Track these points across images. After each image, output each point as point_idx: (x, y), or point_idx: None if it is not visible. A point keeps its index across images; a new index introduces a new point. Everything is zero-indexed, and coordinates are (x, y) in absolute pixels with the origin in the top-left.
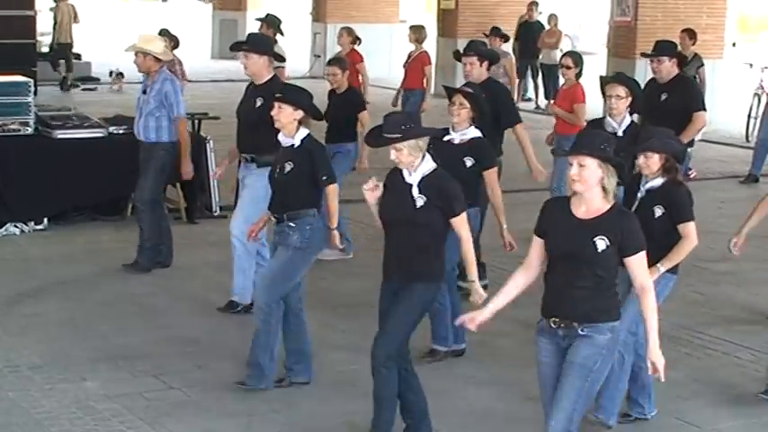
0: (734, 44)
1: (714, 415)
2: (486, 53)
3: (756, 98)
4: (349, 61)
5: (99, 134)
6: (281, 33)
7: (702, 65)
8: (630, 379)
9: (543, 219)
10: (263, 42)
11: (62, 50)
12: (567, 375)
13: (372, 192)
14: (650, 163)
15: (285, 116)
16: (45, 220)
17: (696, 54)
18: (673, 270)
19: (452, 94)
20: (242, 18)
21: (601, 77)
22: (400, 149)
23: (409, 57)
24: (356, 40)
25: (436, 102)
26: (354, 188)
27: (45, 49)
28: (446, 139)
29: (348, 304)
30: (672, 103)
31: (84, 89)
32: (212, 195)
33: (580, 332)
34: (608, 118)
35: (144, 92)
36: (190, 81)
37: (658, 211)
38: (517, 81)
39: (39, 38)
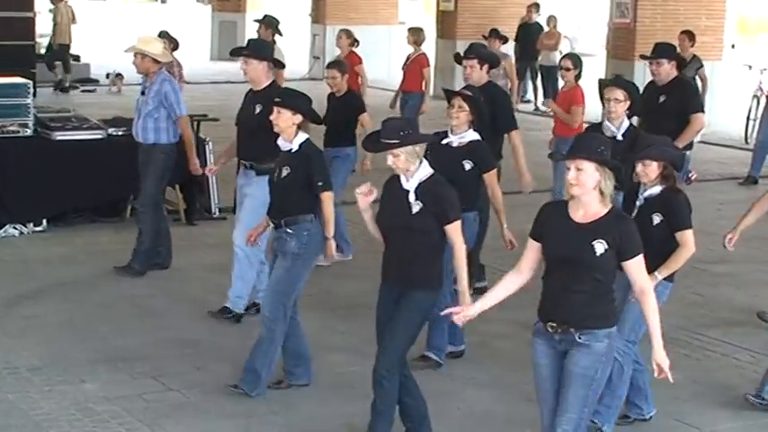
0: (733, 46)
1: (713, 416)
2: (486, 56)
3: (755, 100)
4: (348, 63)
5: (98, 136)
6: (280, 34)
7: (702, 66)
8: None
9: (540, 222)
10: (263, 48)
11: (60, 52)
12: (570, 386)
13: (366, 196)
14: (648, 171)
15: (284, 120)
16: (44, 221)
17: (695, 56)
18: (669, 278)
19: (451, 96)
20: (241, 19)
21: (599, 81)
22: (397, 155)
23: (408, 59)
24: (355, 42)
25: (435, 104)
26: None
27: (43, 51)
28: (445, 142)
29: (347, 306)
30: (670, 105)
31: (83, 91)
32: (211, 197)
33: (577, 339)
34: (606, 122)
35: (143, 93)
36: (188, 83)
37: (656, 219)
38: (516, 82)
39: (38, 39)
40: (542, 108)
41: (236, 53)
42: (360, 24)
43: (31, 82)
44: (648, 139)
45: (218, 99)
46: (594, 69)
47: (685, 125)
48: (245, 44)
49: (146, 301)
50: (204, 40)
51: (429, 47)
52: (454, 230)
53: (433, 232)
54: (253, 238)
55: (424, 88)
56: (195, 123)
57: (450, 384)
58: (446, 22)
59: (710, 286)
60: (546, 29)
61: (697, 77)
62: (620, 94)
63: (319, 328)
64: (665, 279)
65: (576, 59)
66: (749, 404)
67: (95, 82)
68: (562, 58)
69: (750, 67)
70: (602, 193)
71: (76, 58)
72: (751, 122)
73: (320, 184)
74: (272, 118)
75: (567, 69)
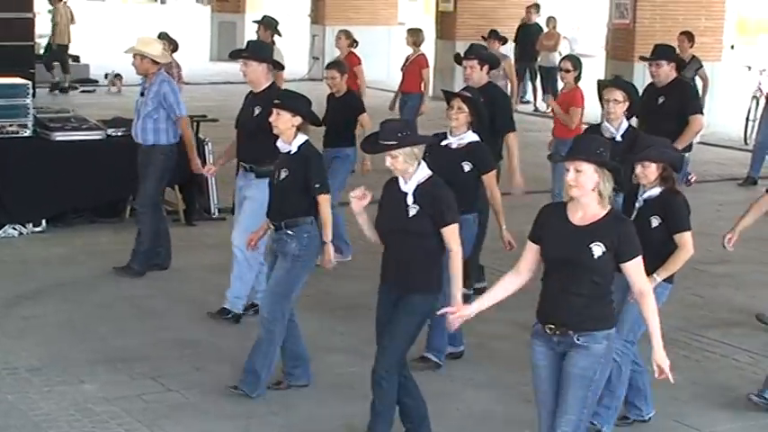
0: (732, 47)
1: (712, 418)
2: (487, 57)
3: (755, 101)
4: (347, 64)
5: (97, 136)
6: (279, 35)
7: (701, 66)
8: None
9: (539, 224)
10: (263, 50)
11: (59, 52)
12: (569, 387)
13: (360, 200)
14: (647, 173)
15: (283, 122)
16: (43, 222)
17: (694, 56)
18: (669, 279)
19: (451, 98)
20: (240, 20)
21: (598, 82)
22: (395, 156)
23: (407, 60)
24: (354, 42)
25: (434, 105)
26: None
27: (42, 52)
28: (444, 143)
29: (346, 307)
30: (669, 107)
31: (82, 91)
32: (211, 198)
33: (576, 341)
34: (605, 123)
35: (142, 94)
36: (188, 83)
37: (655, 221)
38: (516, 83)
39: (37, 40)
40: (541, 108)
41: (235, 55)
42: (359, 25)
43: (30, 83)
44: (648, 141)
45: (217, 100)
46: (594, 70)
47: (684, 126)
48: (244, 46)
49: (145, 301)
50: (204, 41)
51: (428, 48)
52: (450, 233)
53: (431, 236)
54: (253, 243)
55: (423, 89)
56: (194, 124)
57: (450, 385)
58: (445, 23)
59: (710, 287)
60: (545, 30)
61: (697, 77)
62: (619, 95)
63: (318, 329)
64: (664, 280)
65: (575, 61)
66: (751, 404)
67: (95, 82)
68: (562, 60)
69: (749, 67)
70: (600, 194)
71: (76, 58)
72: (750, 123)
73: (317, 186)
74: (271, 120)
75: (567, 71)
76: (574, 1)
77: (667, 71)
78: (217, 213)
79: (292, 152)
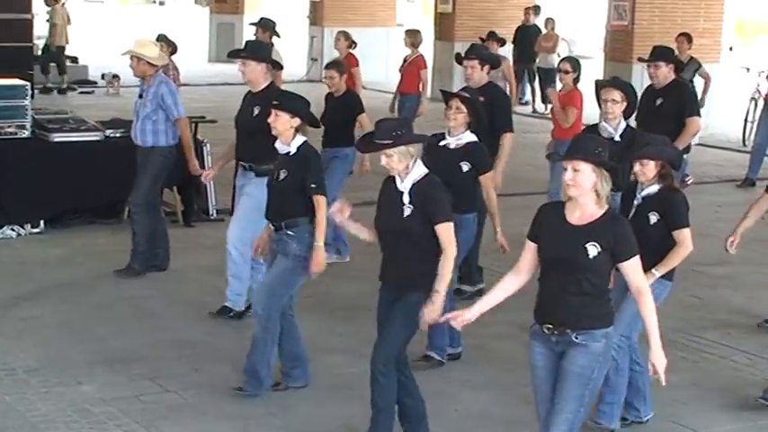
0: (731, 48)
1: (710, 419)
2: (487, 57)
3: (753, 102)
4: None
5: (96, 137)
6: (278, 36)
7: (700, 65)
8: None
9: (537, 224)
10: (261, 49)
11: (57, 53)
12: (565, 384)
13: (340, 214)
14: (646, 170)
15: (281, 123)
16: (42, 222)
17: (692, 57)
18: (668, 277)
19: (449, 98)
20: (239, 21)
21: (596, 82)
22: (390, 155)
23: (405, 61)
24: (353, 44)
25: (433, 106)
26: (352, 192)
27: (39, 53)
28: (442, 144)
29: (345, 307)
30: (667, 108)
31: (81, 92)
32: (209, 199)
33: (574, 339)
34: (603, 123)
35: (140, 96)
36: (186, 85)
37: (653, 218)
38: (515, 85)
39: (35, 41)
40: (540, 110)
41: (233, 55)
42: (357, 26)
43: (28, 84)
44: (646, 139)
45: (215, 101)
46: (592, 72)
47: (682, 128)
48: (242, 46)
49: (143, 302)
50: (202, 42)
51: (427, 49)
52: (443, 232)
53: (426, 235)
54: (260, 250)
55: (421, 90)
56: (193, 125)
57: (447, 386)
58: (444, 25)
59: (708, 288)
60: (544, 31)
61: (698, 77)
62: (617, 95)
63: (317, 330)
64: (664, 278)
65: (574, 62)
66: (752, 405)
67: (93, 84)
68: (561, 61)
69: (748, 69)
70: (598, 194)
71: (74, 59)
72: (748, 125)
73: (313, 186)
74: (269, 121)
75: (566, 72)
76: (572, 2)
77: (666, 73)
78: (215, 215)
79: (291, 153)
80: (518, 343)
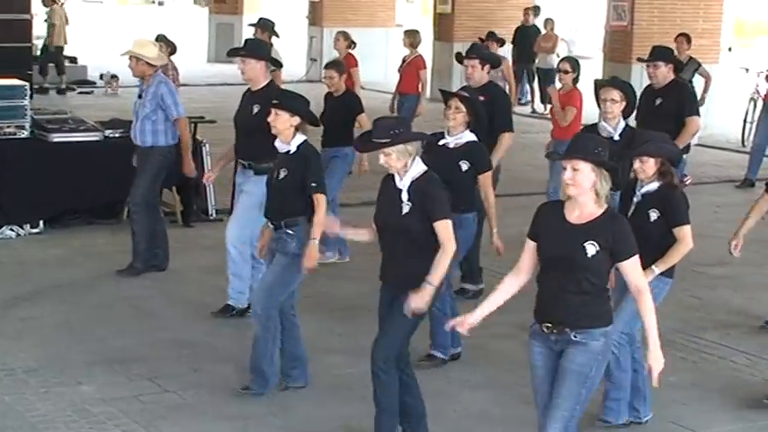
0: (730, 49)
1: (710, 419)
2: (488, 57)
3: (752, 103)
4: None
5: (95, 137)
6: (277, 36)
7: (700, 65)
8: None
9: (536, 223)
10: (261, 48)
11: (55, 54)
12: (563, 382)
13: (332, 228)
14: (646, 167)
15: (281, 122)
16: (41, 223)
17: (691, 57)
18: (668, 274)
19: (449, 97)
20: (238, 22)
21: (595, 81)
22: (389, 154)
23: (404, 61)
24: (352, 44)
25: (432, 106)
26: (351, 192)
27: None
28: (441, 143)
29: (345, 308)
30: (666, 108)
31: (80, 92)
32: (208, 199)
33: (573, 338)
34: (602, 122)
35: (140, 96)
36: (185, 85)
37: (654, 215)
38: (514, 85)
39: (34, 41)
40: (539, 110)
41: (233, 53)
42: (357, 27)
43: (28, 84)
44: (646, 136)
45: (214, 101)
46: (591, 72)
47: (681, 128)
48: (242, 45)
49: (142, 302)
50: (201, 43)
51: (426, 49)
52: (442, 228)
53: (425, 232)
54: (264, 251)
55: (420, 90)
56: (192, 125)
57: (447, 386)
58: (443, 25)
59: (708, 289)
60: (543, 32)
61: (698, 77)
62: (616, 94)
63: (317, 330)
64: (664, 276)
65: (573, 63)
66: (753, 406)
67: (92, 84)
68: (560, 62)
69: (747, 69)
70: (597, 194)
71: (74, 60)
72: (748, 125)
73: (313, 185)
74: (269, 120)
75: (566, 72)
76: (571, 3)
77: (665, 73)
78: (214, 215)
79: (291, 152)
80: (518, 343)
